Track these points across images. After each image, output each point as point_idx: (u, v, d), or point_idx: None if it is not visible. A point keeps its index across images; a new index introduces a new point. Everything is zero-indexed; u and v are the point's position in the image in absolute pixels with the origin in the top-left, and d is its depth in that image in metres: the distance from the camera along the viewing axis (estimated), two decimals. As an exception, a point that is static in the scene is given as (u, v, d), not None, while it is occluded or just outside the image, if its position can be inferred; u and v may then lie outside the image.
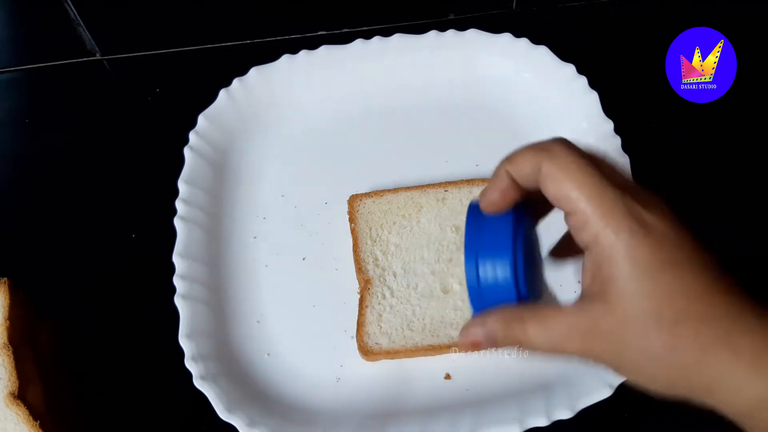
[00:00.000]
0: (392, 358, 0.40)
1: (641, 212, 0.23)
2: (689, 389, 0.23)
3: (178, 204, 0.45)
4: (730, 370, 0.22)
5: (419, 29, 0.53)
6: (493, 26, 0.53)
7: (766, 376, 0.22)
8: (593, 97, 0.48)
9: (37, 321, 0.42)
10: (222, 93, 0.51)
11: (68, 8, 0.56)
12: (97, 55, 0.60)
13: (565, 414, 0.35)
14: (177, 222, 0.44)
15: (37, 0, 0.56)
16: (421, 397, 0.38)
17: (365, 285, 0.42)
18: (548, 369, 0.38)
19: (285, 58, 0.52)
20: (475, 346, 0.27)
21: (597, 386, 0.36)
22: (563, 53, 0.51)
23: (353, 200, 0.45)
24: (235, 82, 0.51)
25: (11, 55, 0.61)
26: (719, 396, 0.23)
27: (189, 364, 0.38)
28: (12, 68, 0.60)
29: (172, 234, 0.44)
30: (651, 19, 0.59)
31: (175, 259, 0.43)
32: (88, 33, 0.58)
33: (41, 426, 0.36)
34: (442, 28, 0.53)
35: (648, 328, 0.23)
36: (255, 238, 0.46)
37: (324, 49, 0.52)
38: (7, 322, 0.39)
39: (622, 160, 0.45)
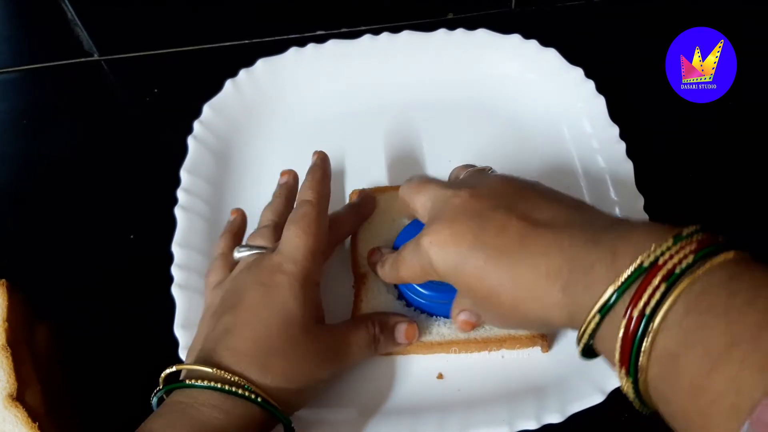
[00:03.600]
0: (387, 355, 0.40)
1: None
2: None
3: (180, 193, 0.45)
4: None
5: (417, 28, 0.53)
6: (492, 26, 0.52)
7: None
8: (600, 101, 0.48)
9: (36, 323, 0.42)
10: (228, 83, 0.50)
11: (66, 8, 0.56)
12: (95, 55, 0.60)
13: (556, 418, 0.35)
14: (178, 211, 0.44)
15: (35, 0, 0.56)
16: (412, 396, 0.38)
17: (361, 279, 0.42)
18: (541, 372, 0.38)
19: (293, 51, 0.52)
20: (373, 265, 0.40)
21: (589, 391, 0.36)
22: (562, 52, 0.50)
23: (355, 194, 0.45)
24: (242, 72, 0.51)
25: (8, 55, 0.60)
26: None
27: (183, 353, 0.39)
28: (9, 69, 0.60)
29: (171, 235, 0.43)
30: (651, 19, 0.59)
31: (174, 248, 0.43)
32: (85, 33, 0.58)
33: (40, 428, 0.36)
34: (444, 27, 0.52)
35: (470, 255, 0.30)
36: (256, 229, 0.46)
37: (332, 43, 0.52)
38: (6, 324, 0.39)
39: (626, 165, 0.45)
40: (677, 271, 0.22)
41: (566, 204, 0.30)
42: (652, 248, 0.23)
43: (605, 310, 0.24)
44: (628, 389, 0.24)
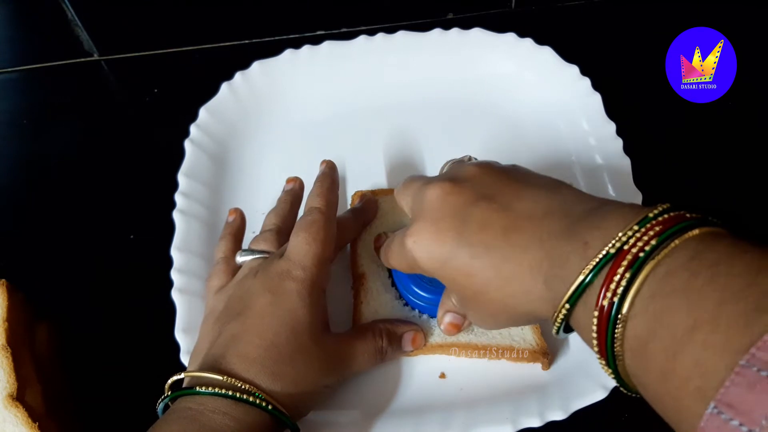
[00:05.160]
0: None
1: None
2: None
3: (178, 197, 0.45)
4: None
5: (417, 29, 0.53)
6: (493, 26, 0.52)
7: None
8: (596, 98, 0.48)
9: (36, 323, 0.42)
10: (224, 86, 0.50)
11: (66, 8, 0.56)
12: (95, 55, 0.60)
13: (559, 415, 0.35)
14: (176, 215, 0.44)
15: (35, 0, 0.56)
16: (415, 396, 0.38)
17: (359, 280, 0.41)
18: (543, 371, 0.38)
19: (288, 53, 0.52)
20: (377, 250, 0.40)
21: (592, 388, 0.36)
22: (562, 52, 0.51)
23: (357, 196, 0.45)
24: (238, 75, 0.51)
25: (9, 55, 0.60)
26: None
27: (185, 358, 0.38)
28: (9, 69, 0.60)
29: (170, 235, 0.43)
30: (651, 19, 0.59)
31: (173, 252, 0.42)
32: (85, 33, 0.58)
33: (40, 427, 0.36)
34: (444, 27, 0.53)
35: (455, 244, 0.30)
36: (254, 233, 0.45)
37: (327, 45, 0.52)
38: (6, 323, 0.39)
39: (623, 162, 0.45)
40: (641, 255, 0.22)
41: (544, 188, 0.30)
42: (619, 235, 0.23)
43: (573, 298, 0.24)
44: (611, 376, 0.24)
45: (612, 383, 0.35)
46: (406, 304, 0.41)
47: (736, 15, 0.56)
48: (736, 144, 0.51)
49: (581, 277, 0.24)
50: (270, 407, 0.31)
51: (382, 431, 0.36)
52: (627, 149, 0.46)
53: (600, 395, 0.35)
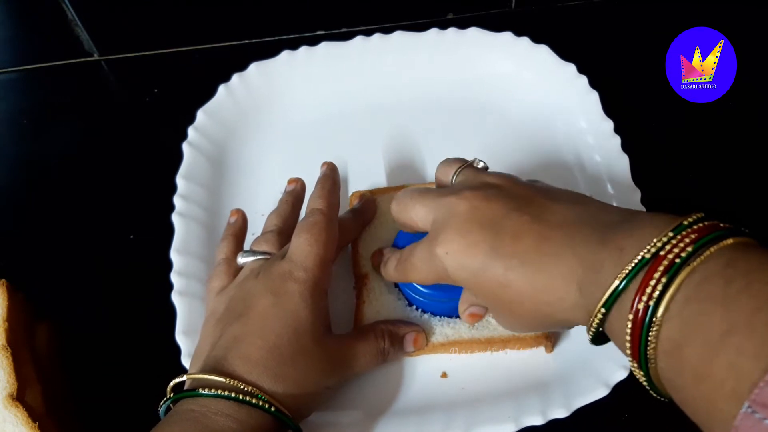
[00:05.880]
0: None
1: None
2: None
3: (176, 200, 0.45)
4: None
5: (418, 29, 0.53)
6: (493, 25, 0.53)
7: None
8: (593, 96, 0.48)
9: (36, 323, 0.42)
10: (221, 88, 0.50)
11: (66, 8, 0.56)
12: (95, 55, 0.60)
13: (561, 413, 0.35)
14: (175, 218, 0.44)
15: (35, 0, 0.56)
16: (417, 396, 0.38)
17: (361, 281, 0.41)
18: (545, 368, 0.38)
19: (285, 54, 0.52)
20: (377, 267, 0.40)
21: (593, 386, 0.36)
22: (562, 52, 0.51)
23: (355, 197, 0.45)
24: (235, 77, 0.51)
25: (9, 55, 0.60)
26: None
27: (186, 361, 0.38)
28: (9, 69, 0.60)
29: (170, 235, 0.43)
30: (651, 19, 0.59)
31: (173, 255, 0.42)
32: (86, 33, 0.58)
33: (40, 427, 0.36)
34: (442, 27, 0.53)
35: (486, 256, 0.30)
36: (253, 234, 0.45)
37: (324, 46, 0.52)
38: (6, 323, 0.39)
39: (621, 160, 0.45)
40: (678, 261, 0.23)
41: (570, 201, 0.31)
42: (654, 241, 0.24)
43: (609, 302, 0.25)
44: (642, 380, 0.25)
45: (614, 380, 0.36)
46: (409, 305, 0.41)
47: (736, 15, 0.56)
48: (736, 144, 0.51)
49: (617, 282, 0.25)
50: (273, 409, 0.31)
51: (384, 431, 0.36)
52: (627, 149, 0.46)
53: (602, 392, 0.35)
